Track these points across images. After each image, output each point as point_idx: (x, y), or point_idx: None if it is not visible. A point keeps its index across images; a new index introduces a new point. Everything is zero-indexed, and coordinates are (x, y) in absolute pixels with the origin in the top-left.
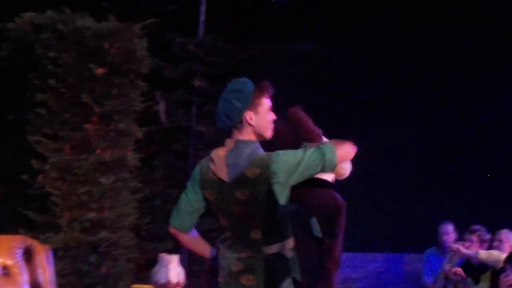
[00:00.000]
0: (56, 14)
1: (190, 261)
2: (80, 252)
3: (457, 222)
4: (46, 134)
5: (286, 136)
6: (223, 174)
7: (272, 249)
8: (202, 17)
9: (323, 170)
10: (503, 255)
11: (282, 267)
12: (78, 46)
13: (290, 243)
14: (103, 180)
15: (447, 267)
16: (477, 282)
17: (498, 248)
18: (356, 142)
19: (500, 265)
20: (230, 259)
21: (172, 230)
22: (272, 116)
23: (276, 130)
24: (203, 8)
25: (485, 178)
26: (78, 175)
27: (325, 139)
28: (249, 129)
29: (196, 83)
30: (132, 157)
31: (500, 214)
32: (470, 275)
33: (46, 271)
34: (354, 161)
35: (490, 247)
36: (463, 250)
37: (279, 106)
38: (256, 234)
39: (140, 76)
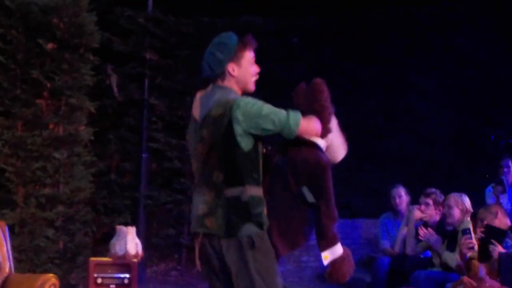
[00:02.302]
0: None
1: (147, 233)
2: (36, 227)
3: (410, 187)
4: None
5: (301, 99)
6: (197, 114)
7: (233, 192)
8: None
9: (280, 133)
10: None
11: (241, 210)
12: (26, 21)
13: (252, 190)
14: (57, 155)
15: (403, 230)
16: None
17: (448, 213)
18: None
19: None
20: (198, 203)
21: None
22: (255, 68)
23: (296, 91)
24: None
25: (435, 145)
26: (31, 151)
27: (334, 121)
28: (231, 80)
29: (148, 56)
30: (85, 132)
31: (451, 178)
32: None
33: (2, 247)
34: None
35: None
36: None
37: None
38: (217, 176)
39: (90, 50)
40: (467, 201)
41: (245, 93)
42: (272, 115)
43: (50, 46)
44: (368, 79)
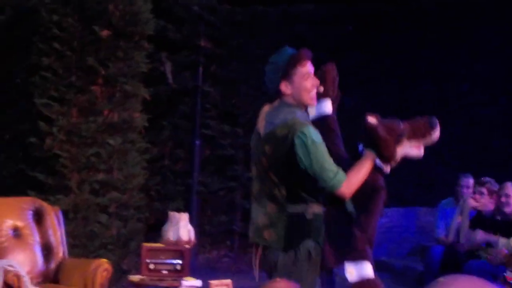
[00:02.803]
0: None
1: (200, 220)
2: (90, 213)
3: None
4: (53, 97)
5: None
6: (261, 127)
7: (296, 208)
8: None
9: (320, 187)
10: None
11: (303, 227)
12: (82, 9)
13: (314, 207)
14: (111, 141)
15: (458, 219)
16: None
17: (506, 202)
18: (361, 96)
19: None
20: (257, 214)
21: None
22: (311, 81)
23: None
24: None
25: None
26: (86, 137)
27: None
28: (288, 97)
29: (202, 44)
30: (139, 119)
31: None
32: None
33: (56, 232)
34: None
35: (498, 200)
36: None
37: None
38: (279, 192)
39: (145, 38)
40: None
41: (307, 107)
42: (322, 169)
43: (105, 33)
44: (422, 65)
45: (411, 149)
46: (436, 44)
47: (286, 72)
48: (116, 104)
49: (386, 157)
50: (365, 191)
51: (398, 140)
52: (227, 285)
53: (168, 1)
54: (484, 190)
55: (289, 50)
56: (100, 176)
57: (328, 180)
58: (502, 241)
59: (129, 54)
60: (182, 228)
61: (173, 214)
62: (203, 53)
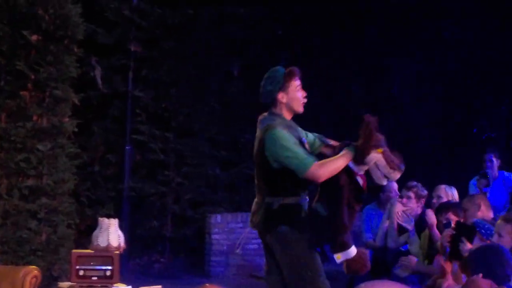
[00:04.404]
0: None
1: (131, 225)
2: (20, 219)
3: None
4: None
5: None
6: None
7: (269, 199)
8: None
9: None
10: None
11: (274, 215)
12: (11, 13)
13: (286, 199)
14: (40, 147)
15: (386, 223)
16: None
17: (437, 204)
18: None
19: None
20: (254, 202)
21: None
22: (302, 94)
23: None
24: None
25: (417, 134)
26: (15, 143)
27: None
28: (282, 106)
29: (132, 48)
30: (69, 123)
31: (433, 169)
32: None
33: None
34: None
35: (427, 204)
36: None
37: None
38: (261, 184)
39: (75, 42)
40: (455, 194)
41: (296, 114)
42: (287, 159)
43: (35, 37)
44: (351, 66)
45: (375, 168)
46: (366, 44)
47: (283, 85)
48: (45, 109)
49: (362, 150)
50: (330, 190)
51: (376, 145)
52: None
53: (99, 4)
54: (411, 194)
55: (281, 69)
56: (30, 182)
57: (295, 166)
58: (414, 239)
59: (59, 58)
60: (112, 233)
61: (103, 220)
62: (134, 57)
